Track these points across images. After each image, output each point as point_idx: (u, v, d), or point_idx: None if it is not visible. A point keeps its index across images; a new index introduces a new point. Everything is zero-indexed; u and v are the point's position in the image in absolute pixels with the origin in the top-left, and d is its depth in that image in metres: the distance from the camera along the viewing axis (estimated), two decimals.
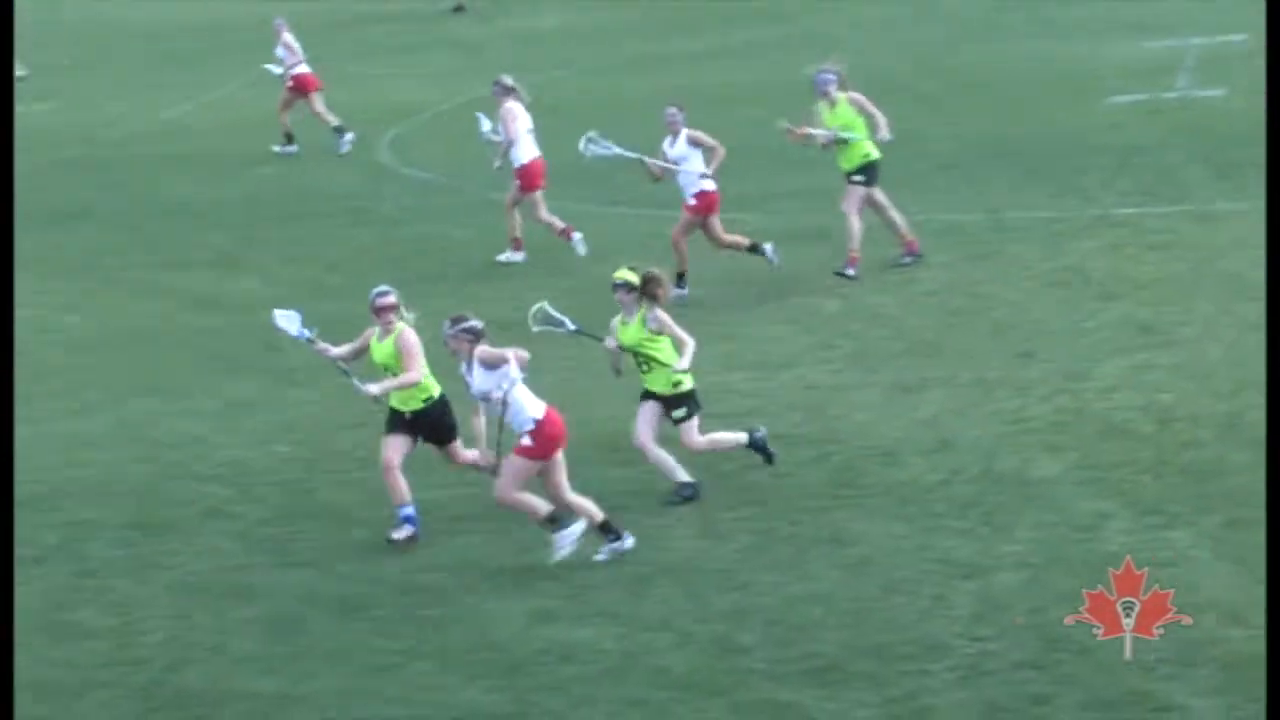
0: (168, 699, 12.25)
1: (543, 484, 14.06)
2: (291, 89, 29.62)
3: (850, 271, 20.31)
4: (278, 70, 29.77)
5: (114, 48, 39.71)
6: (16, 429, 17.57)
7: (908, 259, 20.84)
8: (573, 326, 15.47)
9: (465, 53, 39.09)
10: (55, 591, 13.96)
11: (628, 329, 15.10)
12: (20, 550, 14.64)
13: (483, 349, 13.91)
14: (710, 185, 20.40)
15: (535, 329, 15.51)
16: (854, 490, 14.95)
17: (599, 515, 13.95)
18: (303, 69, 29.72)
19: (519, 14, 42.74)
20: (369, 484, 15.61)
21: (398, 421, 14.71)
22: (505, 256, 22.56)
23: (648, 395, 15.14)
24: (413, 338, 14.59)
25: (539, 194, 22.44)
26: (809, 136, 20.70)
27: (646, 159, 20.68)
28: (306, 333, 15.01)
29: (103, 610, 13.59)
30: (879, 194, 20.73)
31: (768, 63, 34.45)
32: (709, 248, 20.74)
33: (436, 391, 14.75)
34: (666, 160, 20.48)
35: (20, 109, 34.04)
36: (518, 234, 22.55)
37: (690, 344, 14.99)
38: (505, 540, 14.42)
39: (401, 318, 14.71)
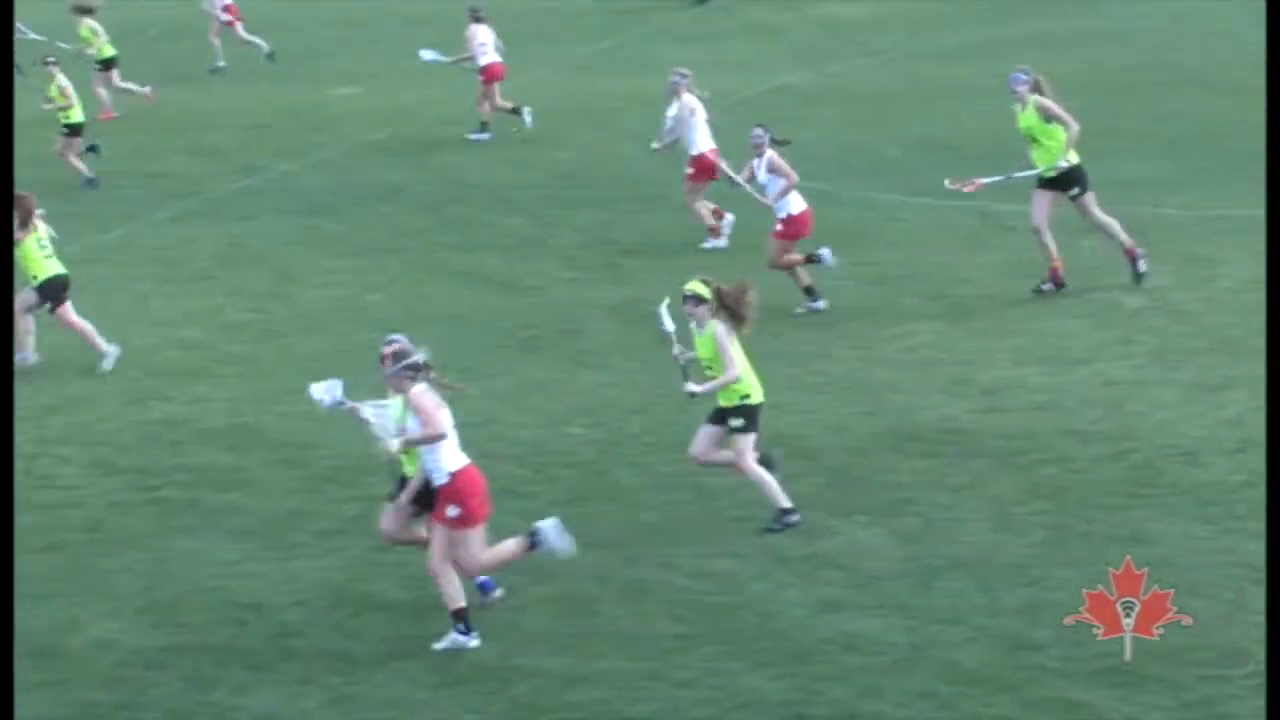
0: (459, 673, 12.41)
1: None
2: (485, 81, 30.20)
3: (1142, 266, 19.81)
4: (428, 56, 30.39)
5: (419, 32, 40.39)
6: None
7: (1048, 286, 19.81)
8: (669, 328, 14.65)
9: (768, 39, 39.07)
10: (353, 565, 14.22)
11: (701, 342, 14.55)
12: (321, 524, 14.99)
13: (416, 393, 12.76)
14: (798, 207, 20.09)
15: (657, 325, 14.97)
16: (1153, 489, 14.65)
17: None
18: (491, 59, 30.17)
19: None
20: (660, 468, 15.70)
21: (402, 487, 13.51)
22: (710, 244, 22.82)
23: (715, 414, 14.60)
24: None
25: (705, 185, 22.99)
26: (984, 185, 20.17)
27: (740, 183, 20.61)
28: (345, 401, 13.51)
29: (399, 584, 13.81)
30: (1044, 212, 19.76)
31: (1076, 53, 33.90)
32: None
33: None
34: (754, 177, 20.28)
35: (317, 92, 34.86)
36: (712, 221, 22.86)
37: (731, 374, 14.26)
38: (795, 529, 14.38)
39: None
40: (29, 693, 12.23)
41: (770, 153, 20.17)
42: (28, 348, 19.46)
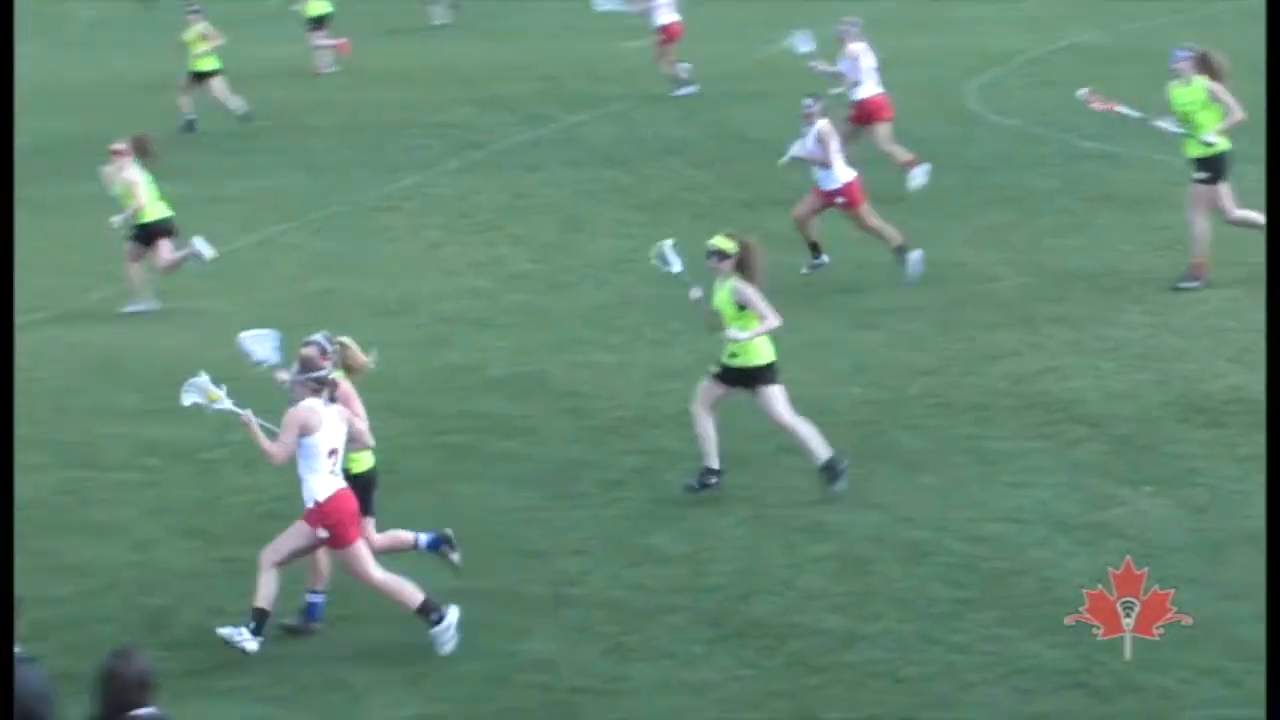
0: (736, 628, 12.45)
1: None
2: (663, 42, 30.78)
3: (1192, 284, 18.97)
4: (606, 6, 31.00)
5: None
6: (602, 356, 18.20)
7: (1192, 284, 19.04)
8: (677, 269, 14.91)
9: None
10: (633, 516, 14.33)
11: (720, 295, 14.56)
12: (602, 474, 15.12)
13: (296, 408, 12.15)
14: (850, 175, 19.88)
15: (654, 262, 15.15)
16: None
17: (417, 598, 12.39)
18: (671, 19, 30.71)
19: None
20: (940, 431, 15.62)
21: None
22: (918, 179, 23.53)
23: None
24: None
25: (885, 126, 23.80)
26: (1117, 112, 19.55)
27: (793, 155, 20.11)
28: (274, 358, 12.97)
29: (677, 537, 13.90)
30: (1227, 204, 19.00)
31: None
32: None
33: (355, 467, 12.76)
34: (804, 151, 19.97)
35: (606, 45, 35.06)
36: (906, 156, 23.64)
37: (769, 323, 14.30)
38: (1076, 495, 14.21)
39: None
40: (326, 629, 12.54)
41: (821, 123, 19.90)
42: (144, 296, 20.26)
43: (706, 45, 33.74)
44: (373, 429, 16.33)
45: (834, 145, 19.83)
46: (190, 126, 29.39)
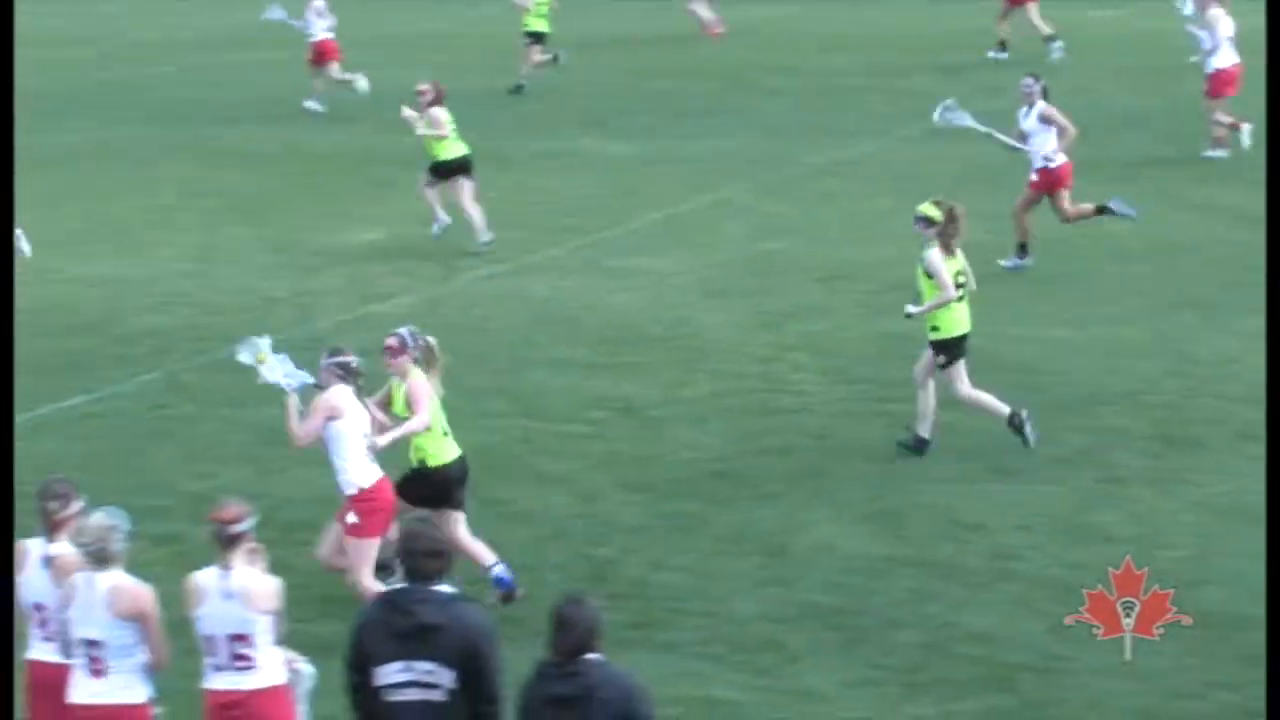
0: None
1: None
2: (1010, 2, 31.81)
3: None
4: None
5: None
6: (1054, 331, 17.86)
7: None
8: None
9: None
10: (1078, 494, 14.02)
11: (919, 261, 14.68)
12: (1049, 449, 14.80)
13: (329, 393, 11.89)
14: (1055, 163, 19.40)
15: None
16: None
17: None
18: None
19: None
20: None
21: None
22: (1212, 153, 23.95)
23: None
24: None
25: (1223, 100, 23.91)
26: None
27: (996, 133, 19.84)
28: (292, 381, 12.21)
29: (1123, 518, 13.56)
30: None
31: None
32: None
33: (432, 460, 12.43)
34: (1020, 131, 19.70)
35: (1076, 13, 34.42)
36: (1220, 132, 23.87)
37: (945, 296, 14.50)
38: None
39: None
40: (756, 589, 12.57)
41: (1041, 103, 19.66)
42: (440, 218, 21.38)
43: (1166, 18, 32.87)
44: (816, 394, 16.41)
45: (1057, 127, 19.62)
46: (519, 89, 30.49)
